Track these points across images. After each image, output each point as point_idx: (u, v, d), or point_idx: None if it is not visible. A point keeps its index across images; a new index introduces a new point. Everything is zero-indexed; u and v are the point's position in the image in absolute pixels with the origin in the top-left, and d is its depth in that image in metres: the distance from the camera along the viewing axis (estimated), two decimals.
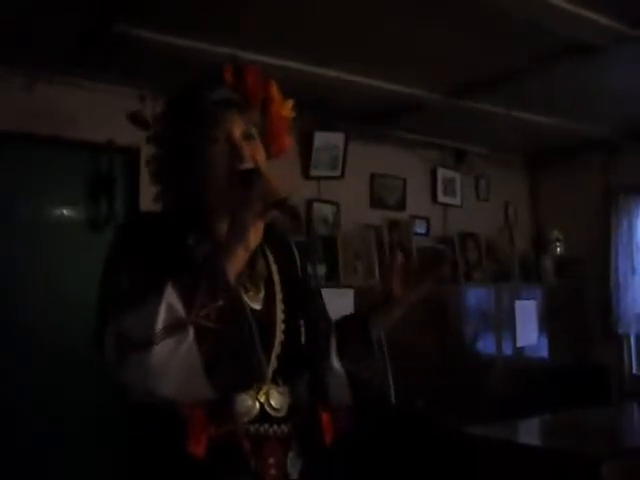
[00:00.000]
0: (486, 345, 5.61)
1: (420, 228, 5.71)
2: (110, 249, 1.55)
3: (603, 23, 3.49)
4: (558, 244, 6.16)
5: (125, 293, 1.42)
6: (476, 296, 5.67)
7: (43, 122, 3.89)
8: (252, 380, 1.46)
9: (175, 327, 1.33)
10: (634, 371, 5.91)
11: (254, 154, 1.60)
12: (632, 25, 3.54)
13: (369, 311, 1.77)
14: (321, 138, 5.11)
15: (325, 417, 1.68)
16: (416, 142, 5.69)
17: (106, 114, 3.87)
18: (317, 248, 4.91)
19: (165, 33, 3.47)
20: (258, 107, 1.67)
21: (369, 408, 1.81)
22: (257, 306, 1.60)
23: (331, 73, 4.12)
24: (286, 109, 1.73)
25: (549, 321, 5.96)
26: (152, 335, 1.32)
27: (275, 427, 1.57)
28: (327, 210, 5.21)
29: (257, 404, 1.55)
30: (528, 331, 5.84)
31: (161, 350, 1.32)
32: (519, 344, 5.77)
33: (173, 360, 1.33)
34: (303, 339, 1.68)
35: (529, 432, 4.26)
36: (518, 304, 5.82)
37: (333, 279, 4.83)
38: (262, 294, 1.64)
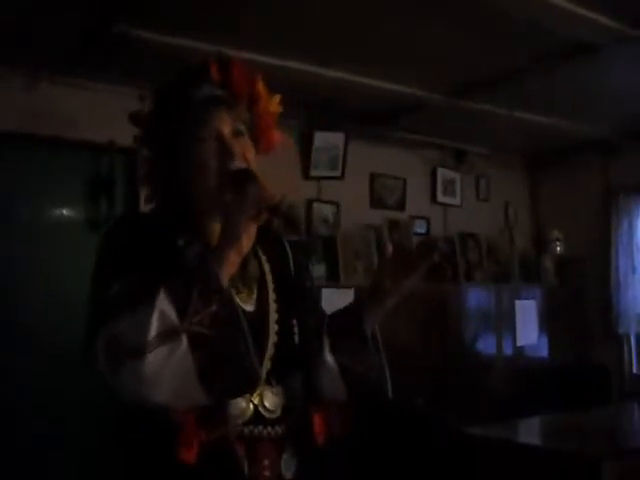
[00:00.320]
0: (486, 345, 5.61)
1: (420, 228, 5.71)
2: (99, 252, 1.53)
3: (603, 23, 3.49)
4: (558, 244, 6.16)
5: (116, 299, 1.39)
6: (476, 296, 5.68)
7: (43, 122, 3.89)
8: (247, 386, 1.43)
9: (168, 334, 1.32)
10: (634, 371, 5.91)
11: (244, 151, 1.58)
12: (632, 25, 3.54)
13: (362, 304, 1.72)
14: (321, 138, 5.11)
15: (317, 418, 1.66)
16: (416, 142, 5.69)
17: (106, 114, 3.86)
18: (316, 248, 4.92)
19: (165, 33, 3.47)
20: (245, 103, 1.64)
21: (365, 402, 1.79)
22: (250, 308, 1.58)
23: (331, 73, 4.11)
24: (273, 104, 1.71)
25: (549, 321, 5.96)
26: (145, 343, 1.30)
27: (269, 428, 1.55)
28: (327, 210, 5.21)
29: (251, 406, 1.54)
30: (528, 331, 5.85)
31: (154, 358, 1.30)
32: (519, 344, 5.77)
33: (167, 368, 1.31)
34: (296, 339, 1.66)
35: (529, 432, 4.26)
36: (518, 304, 5.83)
37: (333, 279, 4.83)
38: (254, 295, 1.62)
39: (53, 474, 3.78)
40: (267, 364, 1.57)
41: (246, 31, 3.48)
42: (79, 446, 3.82)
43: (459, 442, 3.98)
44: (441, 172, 5.94)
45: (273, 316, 1.63)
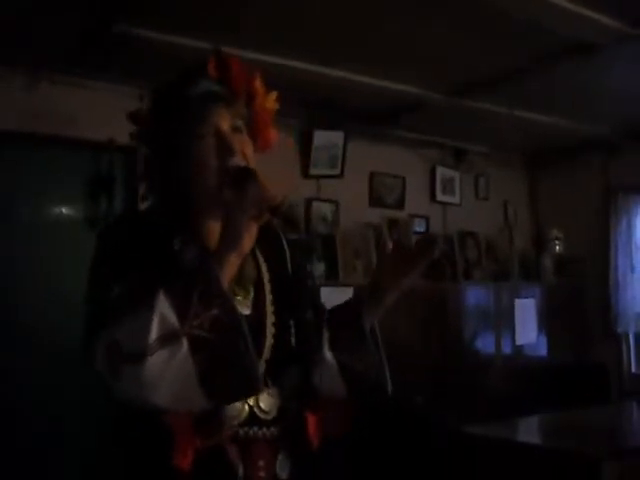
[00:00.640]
0: (485, 344, 5.61)
1: (419, 227, 5.71)
2: (96, 250, 1.52)
3: (603, 22, 3.49)
4: (557, 243, 6.16)
5: (115, 301, 1.38)
6: (475, 295, 5.68)
7: (43, 122, 3.89)
8: (248, 390, 1.42)
9: (168, 338, 1.31)
10: (633, 370, 5.92)
11: (243, 148, 1.56)
12: (632, 24, 3.54)
13: (361, 301, 1.71)
14: (320, 137, 5.11)
15: (312, 419, 1.65)
16: (415, 141, 5.69)
17: (106, 113, 3.85)
18: (316, 247, 4.92)
19: (165, 32, 3.47)
20: (243, 100, 1.62)
21: (365, 399, 1.78)
22: (246, 311, 1.55)
23: (331, 72, 4.11)
24: (270, 101, 1.69)
25: (548, 320, 5.96)
26: (145, 347, 1.29)
27: (264, 429, 1.54)
28: (326, 209, 5.21)
29: (246, 407, 1.53)
30: (527, 330, 5.85)
31: (155, 362, 1.30)
32: (518, 343, 5.77)
33: (167, 371, 1.31)
34: (293, 340, 1.65)
35: (528, 431, 4.26)
36: (517, 303, 5.83)
37: (332, 278, 4.83)
38: (251, 297, 1.60)
39: (53, 473, 3.78)
40: (262, 366, 1.55)
41: (246, 30, 3.48)
42: (79, 445, 3.82)
43: (458, 441, 3.98)
44: (440, 171, 5.94)
45: (270, 318, 1.61)
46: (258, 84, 1.66)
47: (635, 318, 5.79)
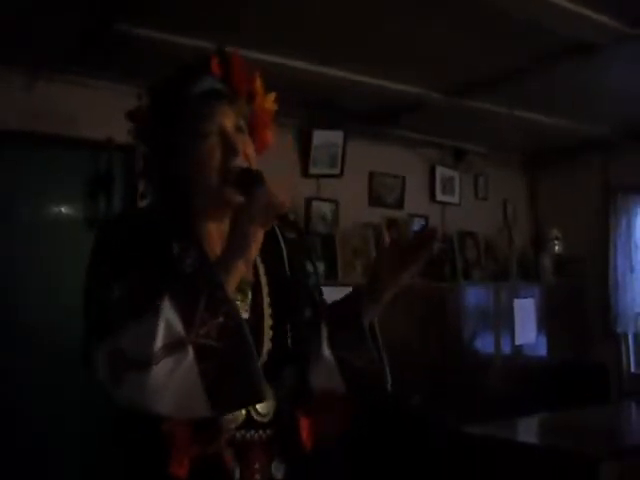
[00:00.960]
0: (485, 343, 5.61)
1: (419, 226, 5.71)
2: (96, 247, 1.49)
3: (603, 22, 3.49)
4: (557, 243, 6.16)
5: (117, 304, 1.37)
6: (475, 295, 5.68)
7: (43, 121, 3.89)
8: (254, 399, 1.40)
9: (174, 346, 1.30)
10: (632, 370, 5.92)
11: (245, 148, 1.54)
12: (632, 24, 3.54)
13: (360, 297, 1.68)
14: (320, 136, 5.11)
15: (305, 422, 1.64)
16: (415, 141, 5.69)
17: (106, 113, 3.83)
18: (315, 246, 4.92)
19: (165, 31, 3.47)
20: (244, 99, 1.60)
21: (364, 396, 1.77)
22: (245, 315, 1.52)
23: (331, 72, 4.11)
24: (269, 102, 1.67)
25: (548, 320, 5.96)
26: (151, 355, 1.28)
27: (260, 432, 1.53)
28: (326, 208, 5.21)
29: (244, 411, 1.51)
30: (527, 330, 5.85)
31: (160, 370, 1.28)
32: (518, 342, 5.77)
33: (172, 380, 1.29)
34: (290, 342, 1.63)
35: (527, 431, 4.26)
36: (517, 303, 5.83)
37: (332, 277, 4.83)
38: (249, 301, 1.58)
39: (53, 473, 3.78)
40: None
41: (246, 30, 3.47)
42: (79, 445, 3.81)
43: (457, 441, 3.98)
44: (440, 170, 5.94)
45: (268, 322, 1.59)
46: (258, 84, 1.64)
47: (634, 318, 5.80)
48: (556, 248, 6.19)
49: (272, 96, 1.67)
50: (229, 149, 1.51)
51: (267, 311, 1.60)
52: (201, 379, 1.30)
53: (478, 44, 3.77)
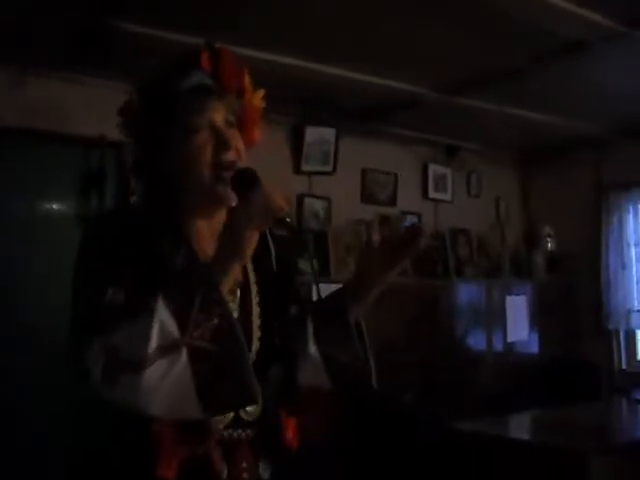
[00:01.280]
0: (477, 340, 5.63)
1: (409, 223, 5.71)
2: (83, 248, 1.48)
3: (595, 21, 3.49)
4: (549, 240, 6.18)
5: (110, 305, 1.35)
6: (467, 292, 5.69)
7: (36, 118, 3.87)
8: (246, 401, 1.40)
9: (169, 348, 1.29)
10: (624, 367, 5.94)
11: (236, 144, 1.53)
12: (624, 23, 3.55)
13: (346, 294, 1.69)
14: (312, 133, 5.11)
15: (291, 423, 1.64)
16: (408, 138, 5.69)
17: (101, 110, 3.82)
18: (308, 243, 4.91)
19: (160, 29, 3.46)
20: (234, 95, 1.58)
21: (349, 392, 1.76)
22: (234, 315, 1.48)
23: (324, 69, 4.11)
24: (258, 99, 1.65)
25: (540, 317, 5.98)
26: (145, 356, 1.27)
27: (248, 431, 1.53)
28: (318, 205, 5.21)
29: None
30: (519, 326, 5.87)
31: (154, 371, 1.27)
32: (510, 339, 5.79)
33: (165, 381, 1.28)
34: (277, 340, 1.62)
35: (519, 427, 4.28)
36: (509, 299, 5.85)
37: (324, 274, 4.83)
38: (237, 300, 1.56)
39: (53, 473, 3.75)
40: None
41: (241, 27, 3.46)
42: (79, 445, 3.79)
43: (449, 438, 3.99)
44: (433, 168, 5.94)
45: (256, 322, 1.58)
46: (247, 80, 1.62)
47: (626, 315, 5.81)
48: (548, 245, 6.20)
49: (261, 93, 1.66)
50: (220, 143, 1.50)
51: (255, 310, 1.59)
52: (194, 381, 1.29)
53: (472, 42, 3.77)
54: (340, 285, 1.74)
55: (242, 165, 1.52)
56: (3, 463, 3.61)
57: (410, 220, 5.70)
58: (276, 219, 1.41)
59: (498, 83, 4.38)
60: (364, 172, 5.53)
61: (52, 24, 3.38)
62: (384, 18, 3.48)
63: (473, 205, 6.21)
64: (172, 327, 1.30)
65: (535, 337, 5.97)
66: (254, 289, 1.61)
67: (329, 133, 5.16)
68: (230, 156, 1.50)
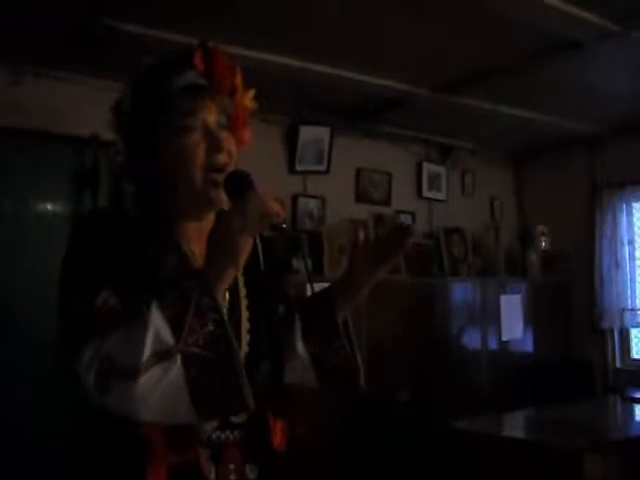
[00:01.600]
0: (471, 339, 5.62)
1: (408, 221, 5.71)
2: (72, 248, 1.45)
3: (588, 19, 3.49)
4: (543, 239, 6.19)
5: (103, 310, 1.34)
6: (461, 291, 5.69)
7: (28, 117, 3.87)
8: (239, 408, 1.37)
9: (163, 356, 1.27)
10: (618, 365, 5.95)
11: (228, 145, 1.50)
12: (617, 21, 3.55)
13: (335, 292, 1.68)
14: (307, 132, 5.11)
15: (277, 424, 1.62)
16: (402, 137, 5.70)
17: (93, 109, 3.82)
18: (302, 243, 4.91)
19: (152, 28, 3.46)
20: (226, 95, 1.55)
21: (337, 391, 1.76)
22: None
23: (318, 68, 4.11)
24: (248, 99, 1.62)
25: (534, 315, 5.98)
26: (139, 364, 1.26)
27: (236, 433, 1.51)
28: (312, 205, 5.21)
29: None
30: (513, 325, 5.86)
31: (147, 378, 1.26)
32: (504, 338, 5.79)
33: (159, 388, 1.27)
34: (265, 341, 1.60)
35: (513, 426, 4.29)
36: (503, 298, 5.85)
37: (318, 274, 4.83)
38: (226, 304, 1.51)
39: (53, 473, 3.74)
40: None
41: (235, 26, 3.46)
42: (79, 445, 3.79)
43: (444, 436, 4.00)
44: (426, 167, 5.95)
45: (245, 325, 1.57)
46: (239, 80, 1.59)
47: (620, 314, 5.81)
48: (543, 244, 6.21)
49: (251, 93, 1.63)
50: (213, 145, 1.47)
51: (245, 314, 1.58)
52: (187, 387, 1.28)
53: (466, 41, 3.78)
54: None
55: (234, 167, 1.50)
56: (3, 463, 3.61)
57: (405, 219, 5.71)
58: (272, 226, 1.37)
59: (492, 82, 4.39)
60: (358, 171, 5.53)
61: (45, 23, 3.38)
62: (378, 17, 3.48)
63: (467, 204, 6.22)
64: (166, 333, 1.28)
65: (530, 336, 5.97)
66: (242, 292, 1.59)
67: (323, 132, 5.17)
68: (222, 158, 1.48)
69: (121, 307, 1.34)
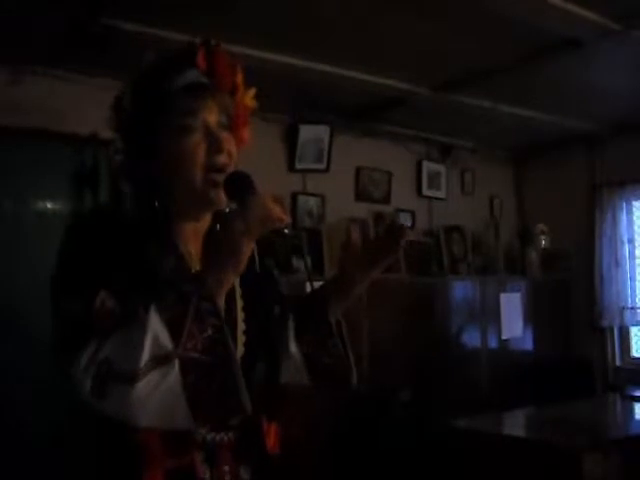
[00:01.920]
0: (471, 338, 5.62)
1: (405, 221, 5.72)
2: (67, 248, 1.43)
3: (589, 18, 3.49)
4: (543, 237, 6.19)
5: (100, 312, 1.32)
6: (461, 289, 5.69)
7: (28, 116, 3.86)
8: (236, 413, 1.36)
9: (161, 360, 1.26)
10: (617, 364, 5.95)
11: (229, 146, 1.48)
12: (617, 20, 3.55)
13: (328, 292, 1.67)
14: (306, 131, 5.11)
15: (271, 426, 1.61)
16: (402, 136, 5.70)
17: (92, 108, 3.80)
18: (302, 242, 4.91)
19: (153, 26, 3.45)
20: (227, 94, 1.53)
21: (329, 390, 1.76)
22: None
23: (318, 67, 4.11)
24: (249, 99, 1.60)
25: (534, 314, 5.98)
26: (137, 368, 1.24)
27: (230, 435, 1.50)
28: (312, 203, 5.21)
29: None
30: (513, 324, 5.87)
31: (145, 383, 1.25)
32: (504, 337, 5.79)
33: (157, 393, 1.26)
34: (259, 342, 1.60)
35: (513, 424, 4.29)
36: (503, 297, 5.85)
37: (318, 272, 4.83)
38: (223, 305, 1.46)
39: (53, 473, 3.74)
40: None
41: (235, 25, 3.45)
42: (79, 445, 3.78)
43: (445, 435, 4.00)
44: (426, 165, 5.95)
45: (241, 327, 1.56)
46: (240, 79, 1.58)
47: (620, 312, 5.82)
48: (542, 243, 6.21)
49: (252, 92, 1.61)
50: (213, 145, 1.46)
51: (240, 316, 1.56)
52: (185, 392, 1.26)
53: (466, 40, 3.78)
54: None
55: (234, 167, 1.49)
56: (3, 463, 3.61)
57: (404, 217, 5.71)
58: (274, 231, 1.36)
59: (492, 81, 4.39)
60: (358, 170, 5.53)
61: (45, 23, 3.38)
62: (378, 17, 3.48)
63: (467, 203, 6.22)
64: (165, 338, 1.27)
65: (529, 334, 5.97)
66: (238, 293, 1.57)
67: (323, 131, 5.17)
68: (222, 159, 1.46)
69: (119, 310, 1.32)
